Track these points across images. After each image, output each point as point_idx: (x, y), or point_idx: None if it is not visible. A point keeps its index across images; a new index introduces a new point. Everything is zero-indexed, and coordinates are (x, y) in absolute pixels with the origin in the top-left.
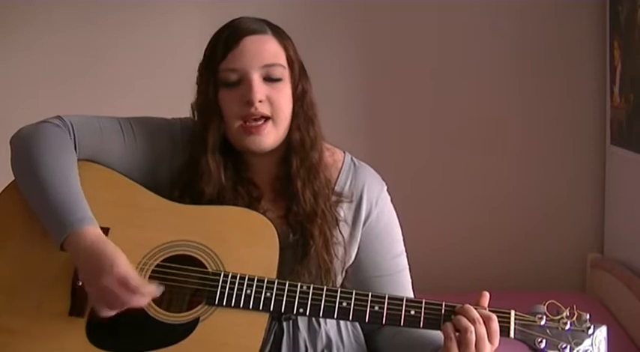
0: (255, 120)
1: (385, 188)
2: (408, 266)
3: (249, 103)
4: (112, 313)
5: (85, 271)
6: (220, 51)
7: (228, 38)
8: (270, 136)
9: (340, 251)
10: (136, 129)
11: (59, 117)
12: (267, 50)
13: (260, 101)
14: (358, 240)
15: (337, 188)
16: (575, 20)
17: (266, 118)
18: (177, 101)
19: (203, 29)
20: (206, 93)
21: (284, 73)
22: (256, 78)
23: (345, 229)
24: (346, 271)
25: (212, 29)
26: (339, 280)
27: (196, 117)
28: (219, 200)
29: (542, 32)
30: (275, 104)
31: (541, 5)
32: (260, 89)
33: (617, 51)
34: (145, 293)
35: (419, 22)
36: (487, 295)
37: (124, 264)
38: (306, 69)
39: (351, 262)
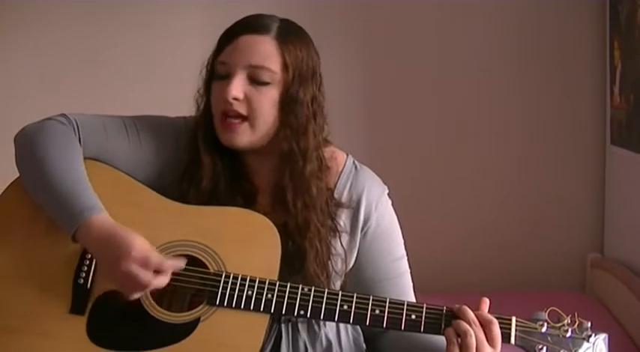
0: (232, 117)
1: (386, 192)
2: (409, 270)
3: (225, 99)
4: (139, 295)
5: (102, 259)
6: (220, 44)
7: (228, 33)
8: (244, 136)
9: (339, 262)
10: (140, 128)
11: (64, 115)
12: (258, 51)
13: (236, 99)
14: (357, 245)
15: (336, 192)
16: (575, 20)
17: (243, 118)
18: (178, 100)
19: (203, 29)
20: (204, 84)
21: (273, 77)
22: (240, 76)
23: (345, 238)
24: (346, 276)
25: (212, 29)
26: (338, 285)
27: (196, 110)
28: (217, 194)
29: (542, 32)
30: (253, 105)
31: (541, 5)
32: (238, 87)
33: (617, 51)
34: (167, 269)
35: (419, 22)
36: (487, 301)
37: (141, 245)
38: (318, 77)
39: (350, 267)
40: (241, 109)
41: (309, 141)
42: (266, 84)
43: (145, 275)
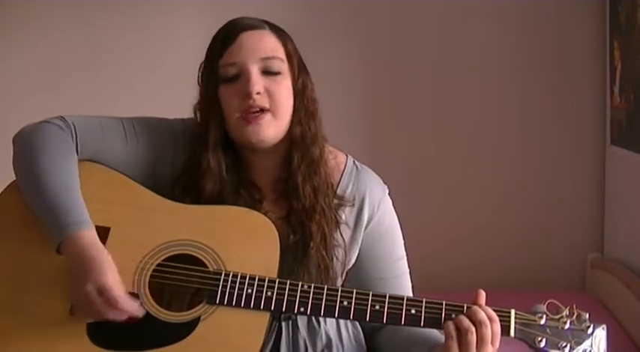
0: (254, 112)
1: (387, 192)
2: (408, 270)
3: (248, 96)
4: (92, 320)
5: (73, 274)
6: (218, 48)
7: (225, 35)
8: (270, 128)
9: (341, 253)
10: (138, 130)
11: (61, 118)
12: (264, 43)
13: (258, 93)
14: (359, 243)
15: (339, 191)
16: (575, 20)
17: (265, 110)
18: (178, 101)
19: (203, 29)
20: (207, 92)
21: (283, 66)
22: (254, 70)
23: (347, 232)
24: (346, 274)
25: (212, 29)
26: (339, 282)
27: (199, 118)
28: (220, 198)
29: (542, 32)
30: (274, 96)
31: (541, 5)
32: (258, 81)
33: (617, 51)
34: (123, 309)
35: (419, 22)
36: (483, 293)
37: (109, 275)
38: (306, 66)
39: (351, 265)
40: (264, 102)
41: (317, 125)
42: (278, 74)
43: (100, 304)
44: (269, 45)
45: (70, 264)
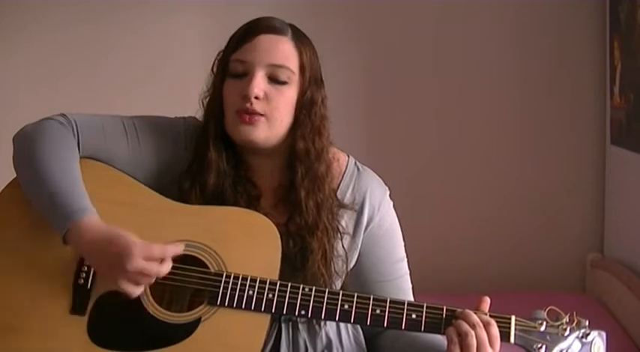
0: (250, 113)
1: (388, 193)
2: (408, 272)
3: (246, 97)
4: (142, 290)
5: (101, 262)
6: (235, 43)
7: (245, 32)
8: (262, 131)
9: (339, 263)
10: (139, 129)
11: (63, 115)
12: (279, 51)
13: (257, 97)
14: (359, 246)
15: (339, 193)
16: (575, 20)
17: (260, 115)
18: (178, 100)
19: (203, 29)
20: (214, 83)
21: (292, 77)
22: (260, 74)
23: (347, 239)
24: (346, 275)
25: (213, 29)
26: (339, 285)
27: (203, 107)
28: (222, 193)
29: (542, 32)
30: (272, 104)
31: (541, 5)
32: (260, 85)
33: (617, 51)
34: (169, 255)
35: (420, 22)
36: (488, 300)
37: (138, 241)
38: (324, 81)
39: (350, 268)
40: (260, 108)
41: (323, 142)
42: (284, 83)
43: (153, 267)
44: (283, 53)
45: (85, 254)
